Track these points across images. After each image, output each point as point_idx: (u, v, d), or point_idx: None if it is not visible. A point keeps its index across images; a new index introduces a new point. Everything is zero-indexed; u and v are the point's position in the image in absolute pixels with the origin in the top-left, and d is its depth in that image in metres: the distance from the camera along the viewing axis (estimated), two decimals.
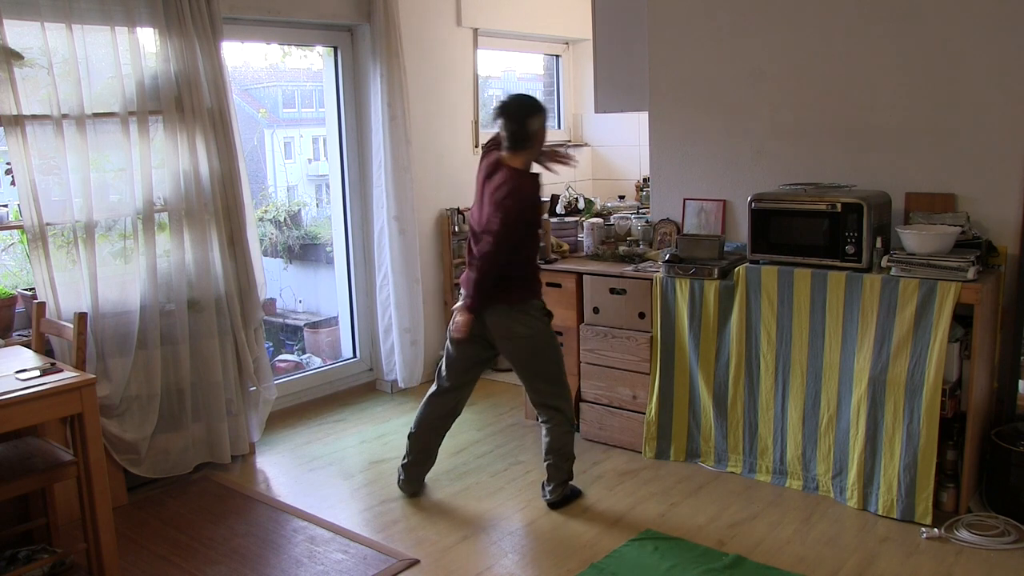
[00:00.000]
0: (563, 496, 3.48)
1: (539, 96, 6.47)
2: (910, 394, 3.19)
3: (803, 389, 3.49)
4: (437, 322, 5.26)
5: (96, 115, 3.51)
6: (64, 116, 3.40)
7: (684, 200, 4.19)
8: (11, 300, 3.52)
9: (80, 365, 2.97)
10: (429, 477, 3.79)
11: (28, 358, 3.08)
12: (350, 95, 4.87)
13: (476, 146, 5.47)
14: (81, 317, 2.98)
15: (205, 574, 3.06)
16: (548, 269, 4.22)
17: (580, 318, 4.17)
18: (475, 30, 5.40)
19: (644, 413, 3.94)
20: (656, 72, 4.21)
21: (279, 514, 3.52)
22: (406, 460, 3.64)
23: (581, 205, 5.17)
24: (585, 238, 4.41)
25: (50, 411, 2.79)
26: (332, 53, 4.85)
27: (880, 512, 3.29)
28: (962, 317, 3.18)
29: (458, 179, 5.37)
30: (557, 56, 6.33)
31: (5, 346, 3.30)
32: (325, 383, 4.96)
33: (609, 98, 4.51)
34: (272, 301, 5.75)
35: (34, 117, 3.35)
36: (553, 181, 6.01)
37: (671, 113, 4.20)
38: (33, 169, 3.32)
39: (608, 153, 6.37)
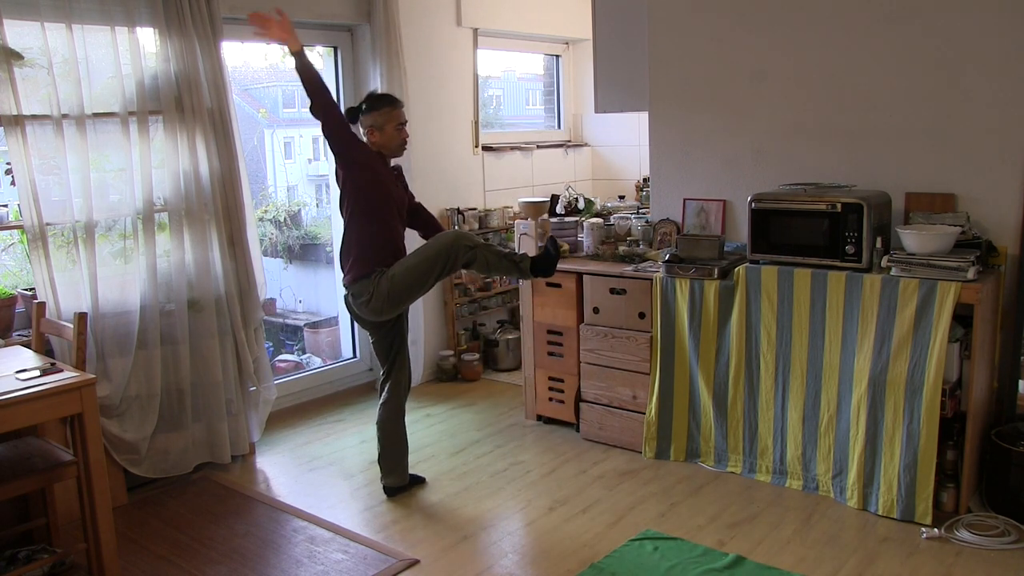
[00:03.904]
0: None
1: (539, 96, 6.51)
2: (910, 394, 3.19)
3: (803, 389, 3.49)
4: (437, 322, 5.26)
5: (96, 115, 3.51)
6: (64, 116, 3.40)
7: (684, 200, 4.19)
8: (11, 300, 3.52)
9: (80, 365, 2.97)
10: (430, 477, 3.79)
11: (28, 358, 3.08)
12: (350, 95, 4.86)
13: (476, 146, 5.47)
14: (81, 317, 2.98)
15: (205, 574, 3.06)
16: None
17: (580, 318, 4.17)
18: (475, 30, 5.40)
19: (644, 413, 3.94)
20: (656, 72, 4.21)
21: (279, 514, 3.52)
22: (378, 455, 3.66)
23: (581, 205, 5.17)
24: (585, 238, 4.41)
25: (50, 411, 2.79)
26: (332, 53, 4.85)
27: (880, 512, 3.29)
28: (962, 317, 3.18)
29: (458, 179, 5.37)
30: (557, 56, 6.33)
31: (5, 346, 3.30)
32: (325, 383, 4.96)
33: (609, 98, 4.51)
34: (272, 301, 5.75)
35: (34, 117, 3.36)
36: (553, 181, 6.05)
37: (671, 113, 4.20)
38: (33, 169, 3.33)
39: (608, 153, 6.38)
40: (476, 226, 5.37)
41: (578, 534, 3.26)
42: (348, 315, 5.06)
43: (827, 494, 3.47)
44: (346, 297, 3.50)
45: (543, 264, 3.49)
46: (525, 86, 6.55)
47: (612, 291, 4.01)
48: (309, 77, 3.26)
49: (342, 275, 3.51)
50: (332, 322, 5.47)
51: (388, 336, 3.57)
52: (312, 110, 3.29)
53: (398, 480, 3.65)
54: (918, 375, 3.17)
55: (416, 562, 3.09)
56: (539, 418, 4.45)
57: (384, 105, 3.41)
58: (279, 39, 3.27)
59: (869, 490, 3.33)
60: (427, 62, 5.09)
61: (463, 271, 3.58)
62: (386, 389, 3.62)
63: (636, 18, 4.30)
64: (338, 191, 3.51)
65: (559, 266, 4.18)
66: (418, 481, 3.74)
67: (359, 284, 3.37)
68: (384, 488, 3.65)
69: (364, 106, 3.43)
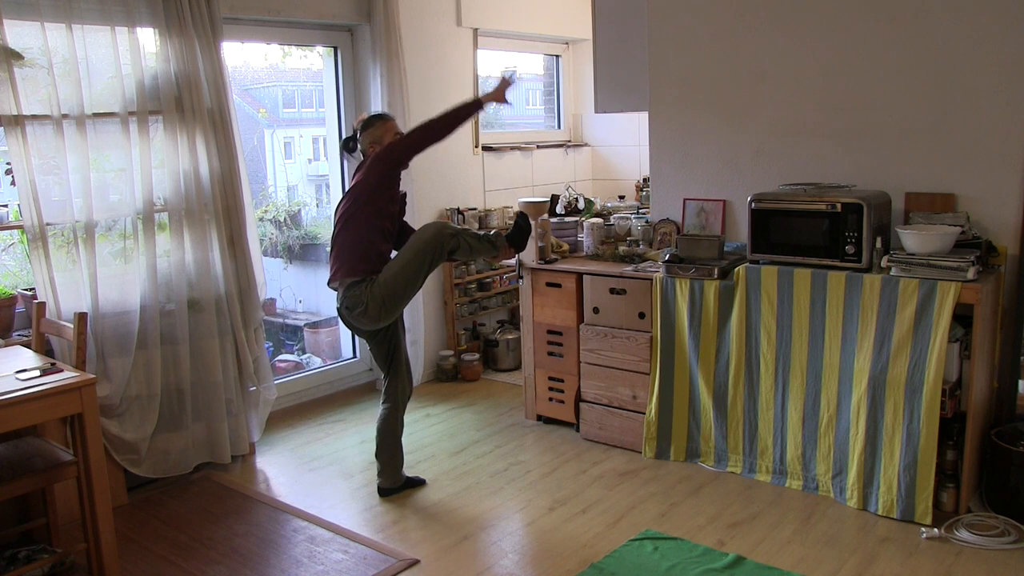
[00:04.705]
0: None
1: (539, 96, 6.51)
2: (910, 394, 3.19)
3: (803, 389, 3.49)
4: (437, 322, 5.26)
5: (96, 115, 3.51)
6: (64, 116, 3.40)
7: (684, 200, 4.19)
8: (11, 300, 3.52)
9: (80, 365, 2.97)
10: (430, 477, 3.79)
11: (28, 358, 3.08)
12: (350, 95, 4.87)
13: (476, 146, 5.47)
14: (81, 317, 2.98)
15: (205, 574, 3.06)
16: (548, 269, 4.23)
17: (580, 318, 4.17)
18: (475, 30, 5.40)
19: (644, 413, 3.94)
20: (656, 72, 4.21)
21: (279, 514, 3.52)
22: (374, 454, 3.69)
23: (581, 205, 5.17)
24: (585, 238, 4.41)
25: (50, 411, 2.79)
26: (332, 53, 4.85)
27: (880, 512, 3.29)
28: (962, 317, 3.18)
29: (458, 179, 5.37)
30: (557, 56, 6.33)
31: (5, 346, 3.30)
32: (325, 383, 4.96)
33: (609, 98, 4.51)
34: (272, 301, 5.74)
35: (34, 117, 3.35)
36: (553, 181, 6.05)
37: (671, 113, 4.20)
38: (33, 169, 3.33)
39: (608, 153, 6.38)
40: (476, 226, 5.37)
41: (578, 534, 3.26)
42: None
43: (827, 494, 3.47)
44: (340, 308, 3.51)
45: (516, 237, 3.68)
46: (525, 86, 6.55)
47: (612, 291, 4.01)
48: (458, 124, 3.47)
49: (329, 275, 3.53)
50: (332, 322, 5.46)
51: (384, 342, 3.62)
52: (427, 133, 3.43)
53: (389, 482, 3.66)
54: (918, 375, 3.17)
55: (416, 562, 3.09)
56: (539, 418, 4.46)
57: (378, 121, 3.57)
58: (499, 90, 3.61)
59: (869, 490, 3.33)
60: (427, 62, 5.09)
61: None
62: (384, 392, 3.67)
63: (636, 18, 4.30)
64: (340, 193, 3.51)
65: (559, 266, 4.21)
66: (418, 483, 3.74)
67: (352, 294, 3.40)
68: (377, 488, 3.67)
69: (359, 131, 3.58)
